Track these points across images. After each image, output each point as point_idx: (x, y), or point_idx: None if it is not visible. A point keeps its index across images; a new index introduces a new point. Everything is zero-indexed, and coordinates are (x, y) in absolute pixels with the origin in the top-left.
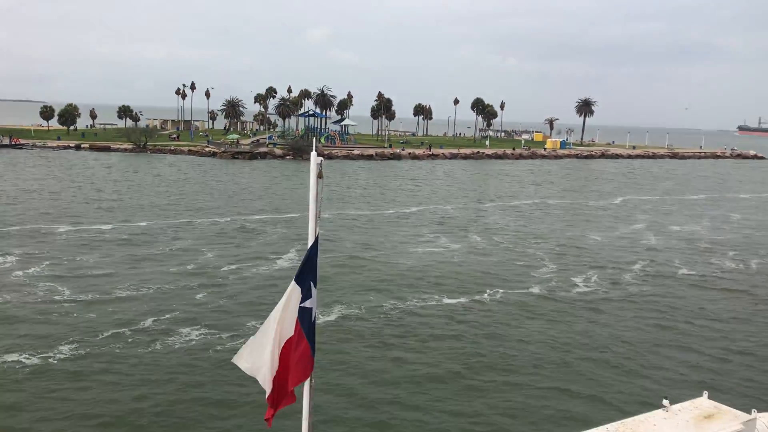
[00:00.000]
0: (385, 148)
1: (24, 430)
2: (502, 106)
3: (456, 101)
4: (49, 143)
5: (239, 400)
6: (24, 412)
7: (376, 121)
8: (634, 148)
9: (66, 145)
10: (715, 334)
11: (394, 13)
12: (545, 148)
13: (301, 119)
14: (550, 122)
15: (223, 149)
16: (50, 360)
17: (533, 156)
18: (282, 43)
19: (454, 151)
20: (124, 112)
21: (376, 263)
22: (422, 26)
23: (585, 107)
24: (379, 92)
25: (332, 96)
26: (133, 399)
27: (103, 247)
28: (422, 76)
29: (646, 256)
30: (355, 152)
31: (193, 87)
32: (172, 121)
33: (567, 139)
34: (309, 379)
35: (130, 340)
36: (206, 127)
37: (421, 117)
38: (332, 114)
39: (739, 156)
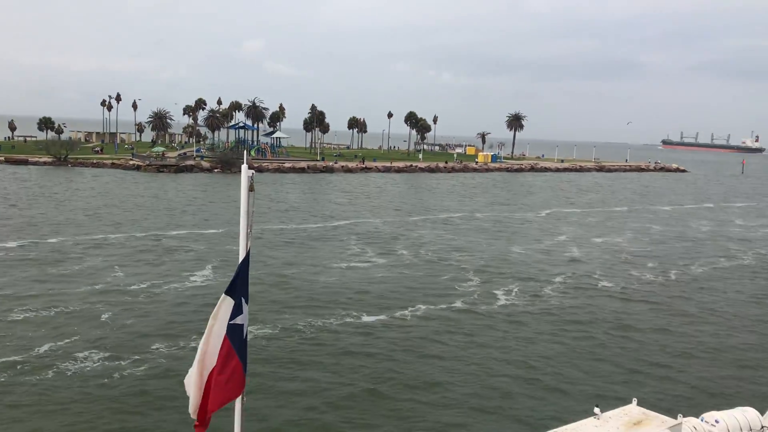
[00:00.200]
0: (317, 161)
1: None
2: (435, 120)
3: (390, 115)
4: None
5: (140, 428)
6: None
7: (309, 134)
8: (562, 161)
9: None
10: (634, 344)
11: (332, 27)
12: (477, 162)
13: (232, 131)
14: (483, 136)
15: (147, 162)
16: None
17: (465, 169)
18: (217, 55)
19: (387, 164)
20: (45, 123)
21: (296, 280)
22: (360, 41)
23: (515, 122)
24: (313, 105)
25: (264, 108)
26: None
27: (4, 267)
28: (359, 90)
29: (568, 269)
30: (287, 165)
31: (118, 98)
32: (97, 133)
33: (498, 153)
34: (240, 397)
35: (20, 367)
36: (133, 139)
37: (355, 130)
38: (264, 126)
39: (663, 169)
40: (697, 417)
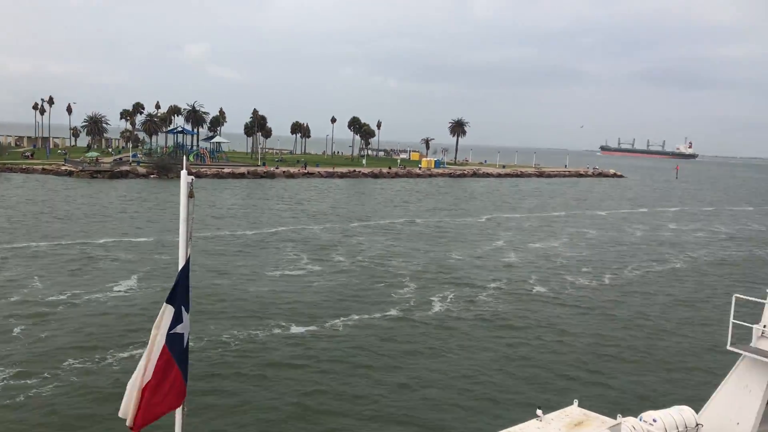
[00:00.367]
0: (258, 166)
1: None
2: (379, 126)
3: (333, 120)
4: None
5: None
6: None
7: (251, 139)
8: (504, 167)
9: None
10: (568, 348)
11: (277, 31)
12: (420, 167)
13: (170, 136)
14: (426, 142)
15: (80, 168)
16: None
17: (408, 175)
18: (160, 58)
19: (330, 169)
20: None
21: (226, 289)
22: (306, 45)
23: (458, 127)
24: (254, 109)
25: (204, 112)
26: None
27: None
28: (304, 95)
29: (504, 274)
30: (226, 170)
31: (51, 101)
32: (29, 137)
33: (442, 159)
34: (181, 406)
35: None
36: (67, 144)
37: (298, 135)
38: (205, 131)
39: (601, 174)
40: (636, 417)
